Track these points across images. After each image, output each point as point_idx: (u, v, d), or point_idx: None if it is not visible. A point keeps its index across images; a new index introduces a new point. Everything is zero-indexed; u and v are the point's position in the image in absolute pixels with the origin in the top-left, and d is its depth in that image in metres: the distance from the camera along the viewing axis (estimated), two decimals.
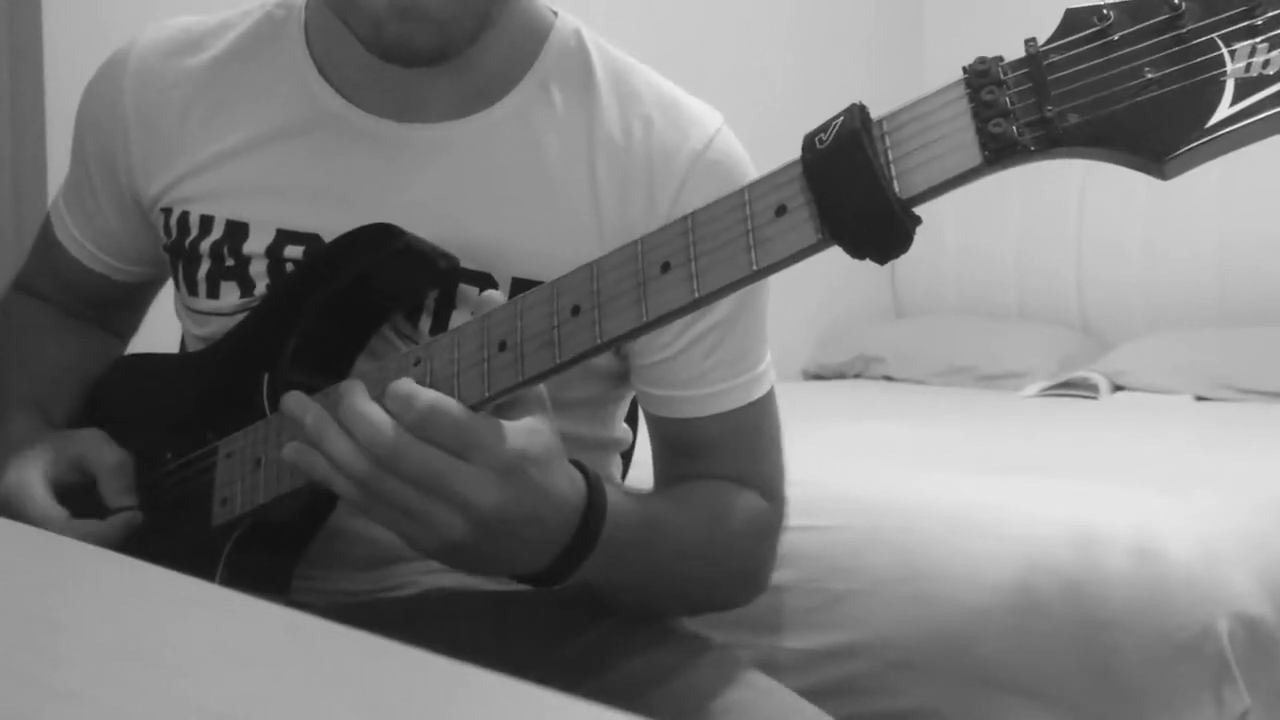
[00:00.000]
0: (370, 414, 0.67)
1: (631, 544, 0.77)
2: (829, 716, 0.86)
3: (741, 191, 0.63)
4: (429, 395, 0.66)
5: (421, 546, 0.69)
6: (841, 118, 0.60)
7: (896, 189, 0.58)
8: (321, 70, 0.90)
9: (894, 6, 3.55)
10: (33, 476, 0.84)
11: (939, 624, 1.35)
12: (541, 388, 0.71)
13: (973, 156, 0.57)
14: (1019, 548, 1.36)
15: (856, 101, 0.60)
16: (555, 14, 0.92)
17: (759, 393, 0.91)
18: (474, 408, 0.69)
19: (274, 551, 0.84)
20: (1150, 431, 2.11)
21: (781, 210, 0.61)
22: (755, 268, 0.62)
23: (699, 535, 0.85)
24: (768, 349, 0.93)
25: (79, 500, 0.85)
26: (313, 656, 0.39)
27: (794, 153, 0.62)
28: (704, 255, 0.63)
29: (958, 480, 1.58)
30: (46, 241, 1.03)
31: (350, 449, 0.67)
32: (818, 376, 3.17)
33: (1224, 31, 0.54)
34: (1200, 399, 2.58)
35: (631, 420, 1.03)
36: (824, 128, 0.60)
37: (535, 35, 0.90)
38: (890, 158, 0.58)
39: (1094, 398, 2.64)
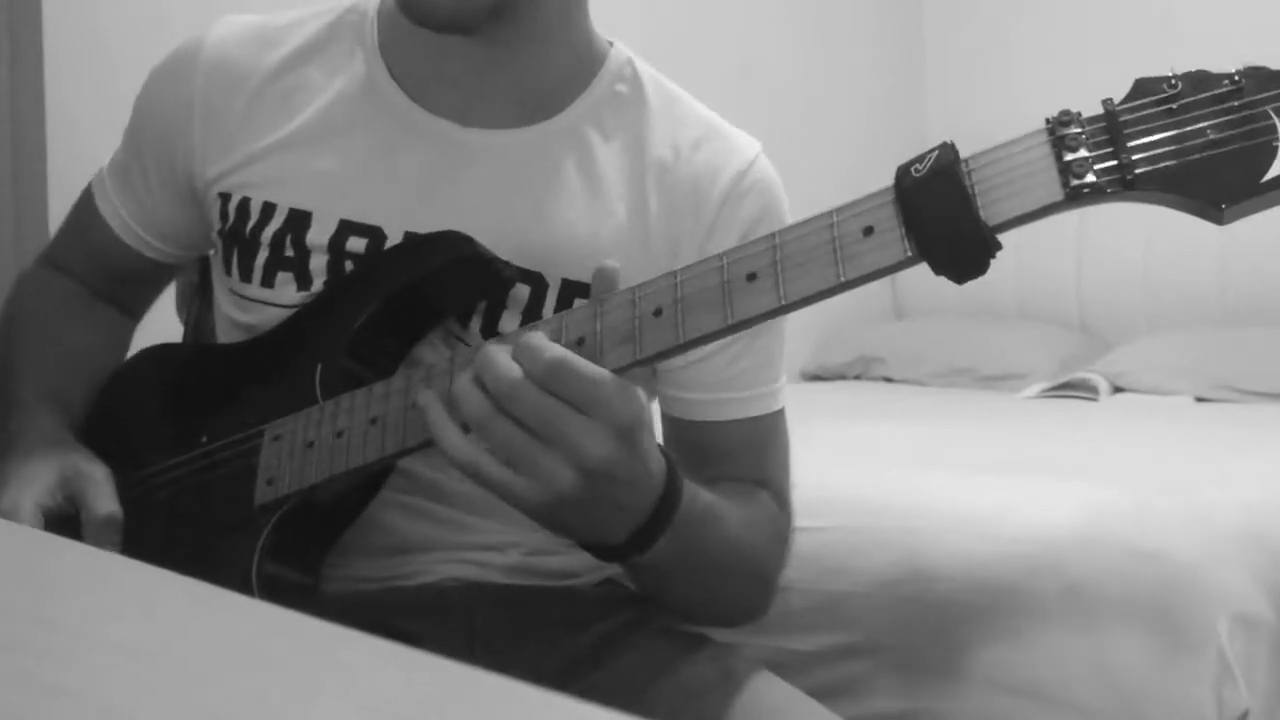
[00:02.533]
0: (498, 357, 0.69)
1: (694, 532, 0.79)
2: (830, 712, 0.86)
3: (828, 214, 0.68)
4: (559, 350, 0.68)
5: (523, 499, 0.70)
6: (936, 151, 0.67)
7: (983, 216, 0.65)
8: (391, 72, 0.93)
9: (895, 11, 3.56)
10: (26, 503, 0.85)
11: (939, 625, 1.35)
12: None
13: (1054, 193, 0.64)
14: (1019, 549, 1.36)
15: (948, 140, 0.68)
16: (611, 44, 0.98)
17: (776, 405, 0.96)
18: None
19: (313, 533, 0.86)
20: (1150, 433, 2.11)
21: (869, 231, 0.67)
22: (842, 279, 0.67)
23: (740, 531, 0.87)
24: (784, 369, 0.98)
25: (68, 531, 0.86)
26: (311, 657, 0.39)
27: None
28: (791, 268, 0.68)
29: (958, 481, 1.58)
30: (84, 214, 1.04)
31: (470, 386, 0.69)
32: (818, 377, 3.17)
33: (1277, 105, 0.63)
34: (1200, 400, 2.58)
35: None
36: (919, 159, 0.67)
37: (592, 59, 0.95)
38: (976, 190, 0.65)
39: (1094, 399, 2.64)
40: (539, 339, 0.69)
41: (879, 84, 3.47)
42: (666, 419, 0.96)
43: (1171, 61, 0.69)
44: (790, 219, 0.93)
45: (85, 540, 0.86)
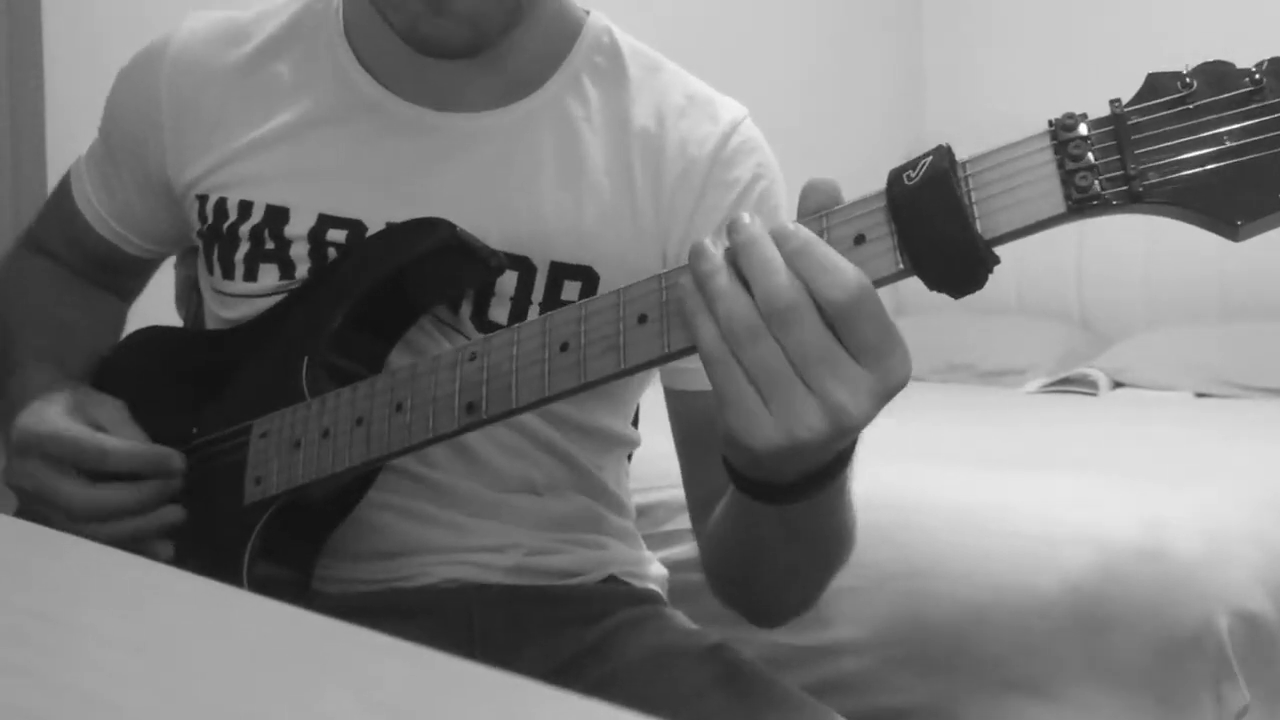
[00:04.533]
0: (778, 269, 0.59)
1: (840, 500, 0.76)
2: (829, 709, 0.86)
3: (818, 219, 0.64)
4: (863, 279, 0.59)
5: (754, 432, 0.60)
6: (930, 156, 0.61)
7: (979, 228, 0.60)
8: (361, 60, 0.92)
9: (894, 6, 3.56)
10: (51, 408, 0.85)
11: (939, 620, 1.35)
12: None
13: (1056, 205, 0.59)
14: (1019, 544, 1.36)
15: (943, 143, 0.62)
16: (587, 13, 0.95)
17: None
18: (532, 406, 0.69)
19: (303, 532, 0.85)
20: (1150, 428, 2.11)
21: (860, 239, 0.62)
22: None
23: (850, 518, 0.84)
24: None
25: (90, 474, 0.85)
26: (314, 652, 0.39)
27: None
28: None
29: (958, 477, 1.58)
30: (63, 202, 1.03)
31: (738, 289, 0.60)
32: None
33: None
34: (1200, 395, 2.58)
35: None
36: (912, 165, 0.62)
37: (568, 31, 0.93)
38: (973, 199, 0.61)
39: (1094, 394, 2.65)
40: (835, 257, 0.59)
41: (878, 80, 3.47)
42: (671, 394, 0.92)
43: (1182, 58, 0.62)
44: (784, 186, 0.91)
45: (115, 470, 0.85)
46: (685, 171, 0.89)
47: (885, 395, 0.60)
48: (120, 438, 0.85)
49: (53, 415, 0.84)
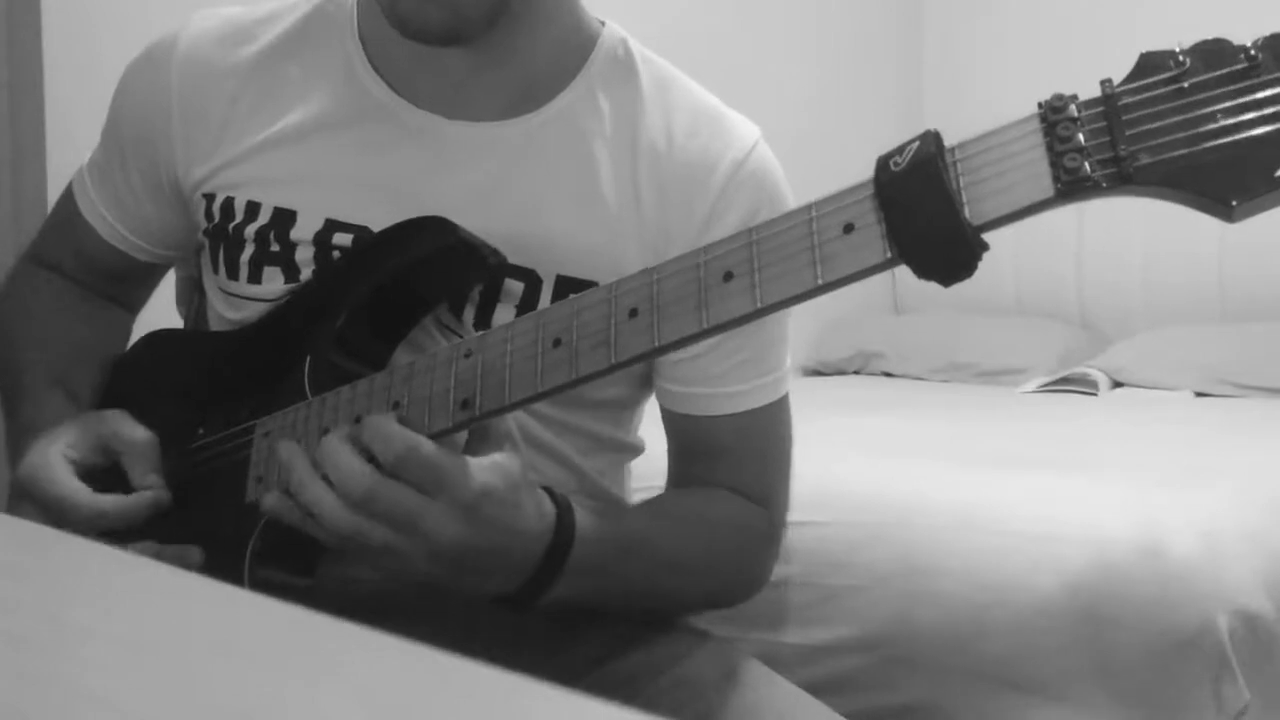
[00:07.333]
0: (352, 464, 0.71)
1: (601, 567, 0.79)
2: (828, 708, 0.87)
3: (807, 208, 0.64)
4: (407, 436, 0.70)
5: (395, 575, 0.74)
6: (917, 142, 0.61)
7: (967, 215, 0.59)
8: (373, 64, 0.91)
9: (894, 5, 3.56)
10: (53, 456, 0.85)
11: (938, 619, 1.35)
12: (510, 422, 0.74)
13: (1045, 189, 0.58)
14: (1019, 543, 1.36)
15: (931, 128, 0.62)
16: (603, 24, 0.95)
17: (776, 395, 0.93)
18: (524, 402, 0.71)
19: (305, 532, 0.85)
20: (1150, 428, 2.11)
21: (849, 228, 0.62)
22: (819, 282, 0.62)
23: (682, 551, 0.87)
24: (789, 354, 0.95)
25: (103, 482, 0.85)
26: (322, 654, 0.40)
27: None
28: (767, 267, 0.64)
29: (957, 476, 1.58)
30: (67, 214, 1.02)
31: (330, 498, 0.71)
32: (817, 372, 3.17)
33: None
34: (1200, 395, 2.58)
35: None
36: (899, 151, 0.61)
37: (583, 42, 0.92)
38: (961, 184, 0.59)
39: (1093, 394, 2.64)
40: (387, 424, 0.71)
41: (878, 82, 3.47)
42: (666, 415, 0.94)
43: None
44: (791, 204, 0.90)
45: (128, 471, 0.86)
46: (691, 197, 0.89)
47: (469, 509, 0.71)
48: (131, 445, 0.86)
49: (55, 465, 0.84)
